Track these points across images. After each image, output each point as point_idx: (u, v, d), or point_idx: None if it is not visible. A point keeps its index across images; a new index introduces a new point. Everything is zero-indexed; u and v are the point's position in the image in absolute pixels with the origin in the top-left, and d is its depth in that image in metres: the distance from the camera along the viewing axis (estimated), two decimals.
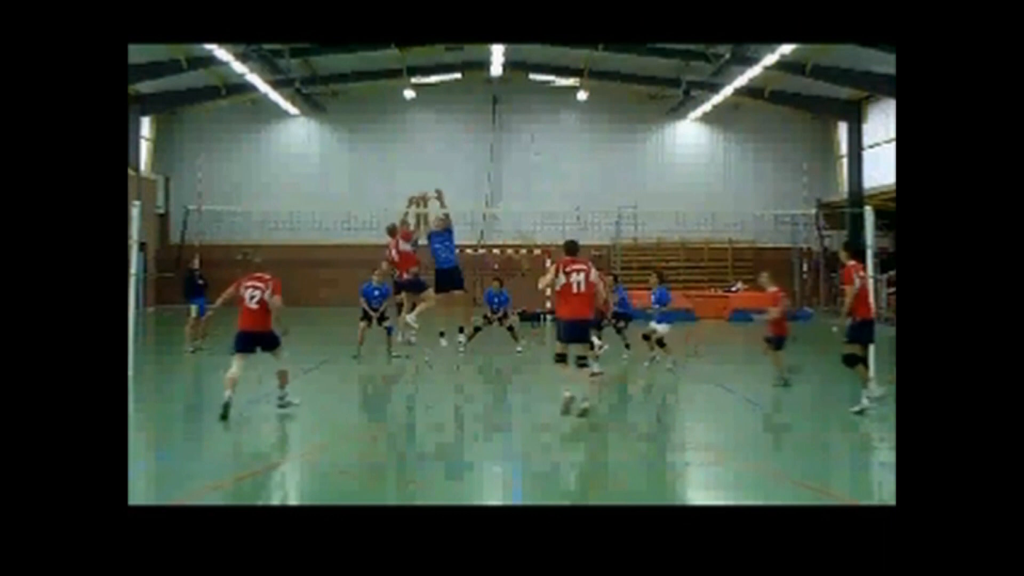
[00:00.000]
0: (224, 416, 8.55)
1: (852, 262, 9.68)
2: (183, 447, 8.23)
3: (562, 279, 8.78)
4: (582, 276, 8.77)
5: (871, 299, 9.83)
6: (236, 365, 9.01)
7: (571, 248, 9.20)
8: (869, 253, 12.53)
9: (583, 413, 8.67)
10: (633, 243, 29.26)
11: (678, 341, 14.14)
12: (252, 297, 9.17)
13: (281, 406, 9.32)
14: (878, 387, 9.45)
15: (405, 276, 11.84)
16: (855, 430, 9.05)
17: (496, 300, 15.63)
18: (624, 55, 26.98)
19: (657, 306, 13.20)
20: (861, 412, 9.27)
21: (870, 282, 10.02)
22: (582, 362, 8.91)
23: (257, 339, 9.24)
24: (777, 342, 11.54)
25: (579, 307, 8.79)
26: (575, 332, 8.84)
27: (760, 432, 9.06)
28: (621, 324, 14.12)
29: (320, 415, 10.21)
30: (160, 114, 30.04)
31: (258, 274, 9.40)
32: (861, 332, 9.56)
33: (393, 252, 11.97)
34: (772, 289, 11.74)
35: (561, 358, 8.91)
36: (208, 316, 14.76)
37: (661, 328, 13.17)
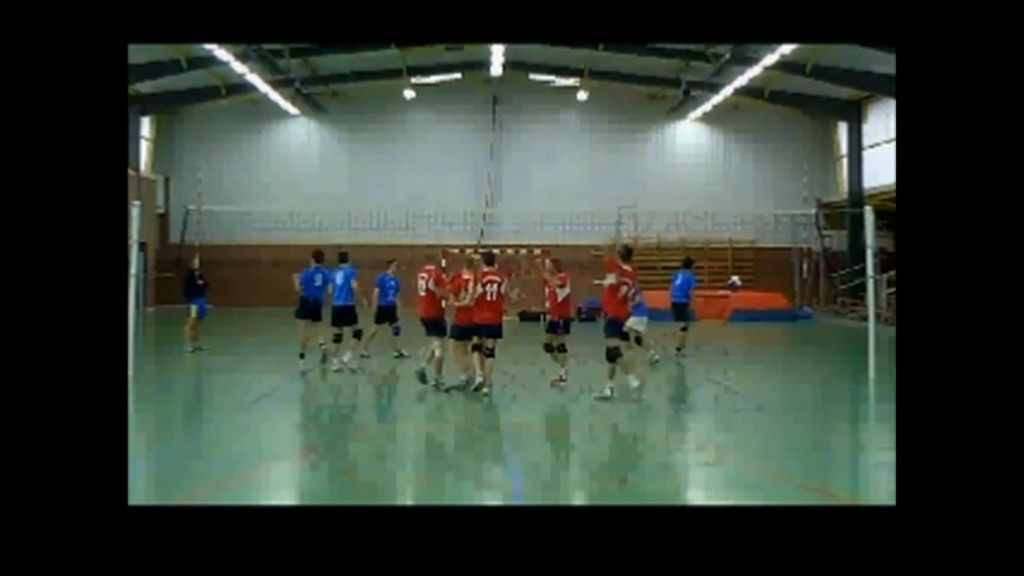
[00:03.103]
0: (423, 380, 10.82)
1: (625, 267, 10.26)
2: (183, 447, 8.23)
3: (479, 288, 10.35)
4: (495, 287, 10.41)
5: (620, 298, 10.21)
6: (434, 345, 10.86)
7: (488, 259, 10.83)
8: (869, 253, 12.53)
9: (478, 388, 10.39)
10: (633, 243, 29.24)
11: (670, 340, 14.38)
12: (420, 287, 10.92)
13: (435, 387, 10.76)
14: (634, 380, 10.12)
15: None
16: (855, 430, 9.06)
17: None
18: (624, 55, 26.97)
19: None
20: (604, 399, 9.95)
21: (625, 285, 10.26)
22: (489, 352, 10.50)
23: (426, 324, 10.92)
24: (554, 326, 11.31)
25: (490, 314, 10.46)
26: (487, 333, 10.50)
27: (760, 432, 9.06)
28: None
29: (320, 415, 10.24)
30: (160, 114, 30.05)
31: (427, 267, 11.12)
32: (615, 327, 10.17)
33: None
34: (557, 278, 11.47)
35: (477, 347, 10.63)
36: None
37: (633, 321, 13.11)
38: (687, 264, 15.62)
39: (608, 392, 10.09)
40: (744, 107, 30.00)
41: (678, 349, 14.75)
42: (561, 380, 10.97)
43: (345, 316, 12.68)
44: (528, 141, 30.71)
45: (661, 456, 7.99)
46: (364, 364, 13.39)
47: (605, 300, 10.37)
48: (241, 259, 27.84)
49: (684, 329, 14.86)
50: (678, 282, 15.16)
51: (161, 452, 7.82)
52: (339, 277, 12.76)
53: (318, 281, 13.19)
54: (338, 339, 12.71)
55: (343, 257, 13.20)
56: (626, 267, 10.33)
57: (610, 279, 10.19)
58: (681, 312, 14.99)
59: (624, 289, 10.21)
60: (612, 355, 10.11)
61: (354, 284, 12.75)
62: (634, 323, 12.89)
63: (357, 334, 13.03)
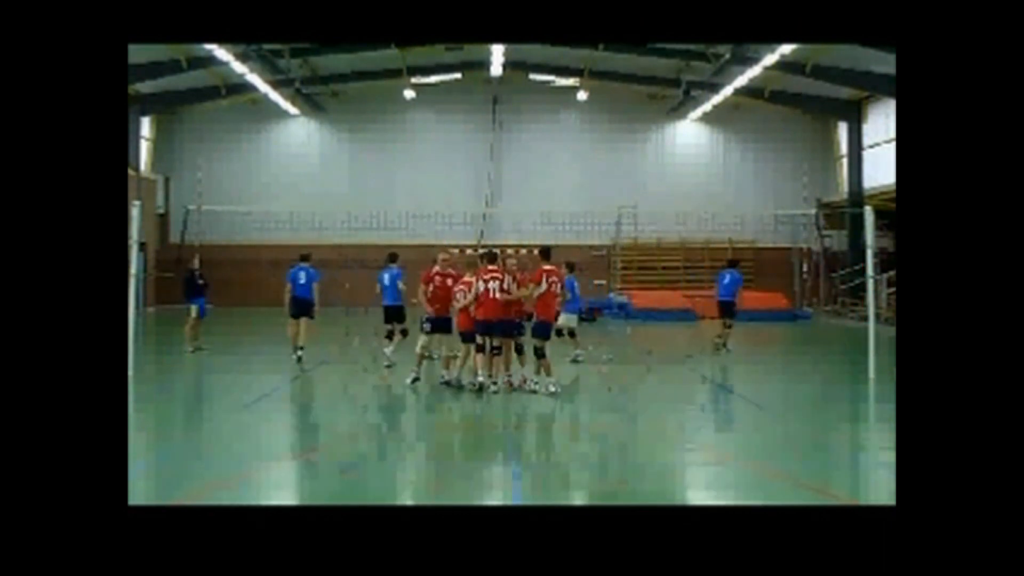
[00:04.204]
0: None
1: (548, 267, 10.74)
2: (183, 447, 8.23)
3: (481, 286, 10.45)
4: (496, 283, 10.47)
5: (555, 303, 10.79)
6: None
7: (490, 258, 10.94)
8: (869, 253, 12.52)
9: (482, 388, 10.45)
10: (633, 243, 29.26)
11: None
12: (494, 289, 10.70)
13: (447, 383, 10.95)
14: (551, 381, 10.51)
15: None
16: (855, 430, 9.04)
17: None
18: (624, 55, 26.97)
19: (569, 293, 13.22)
20: (534, 392, 10.48)
21: (557, 287, 10.81)
22: (496, 351, 10.63)
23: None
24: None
25: (494, 309, 10.45)
26: (494, 329, 10.54)
27: (760, 432, 9.06)
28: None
29: (320, 415, 10.25)
30: (160, 114, 30.05)
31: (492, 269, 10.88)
32: (543, 329, 10.66)
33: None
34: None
35: (480, 348, 10.57)
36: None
37: (564, 319, 13.34)
38: (733, 264, 16.13)
39: (538, 387, 10.49)
40: (744, 107, 30.01)
41: (724, 344, 15.32)
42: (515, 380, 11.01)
43: (394, 314, 13.11)
44: (528, 141, 30.72)
45: (661, 456, 7.99)
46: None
47: (537, 304, 10.65)
48: (241, 259, 27.83)
49: (729, 327, 15.43)
50: (726, 281, 15.66)
51: (161, 452, 7.82)
52: (386, 278, 13.08)
53: (302, 279, 13.59)
54: (390, 335, 13.08)
55: (392, 258, 13.40)
56: (548, 267, 10.74)
57: (539, 290, 10.52)
58: (728, 310, 15.47)
59: (555, 288, 10.65)
60: (539, 353, 10.56)
61: (401, 285, 13.03)
62: (565, 320, 13.33)
63: (404, 332, 13.18)
